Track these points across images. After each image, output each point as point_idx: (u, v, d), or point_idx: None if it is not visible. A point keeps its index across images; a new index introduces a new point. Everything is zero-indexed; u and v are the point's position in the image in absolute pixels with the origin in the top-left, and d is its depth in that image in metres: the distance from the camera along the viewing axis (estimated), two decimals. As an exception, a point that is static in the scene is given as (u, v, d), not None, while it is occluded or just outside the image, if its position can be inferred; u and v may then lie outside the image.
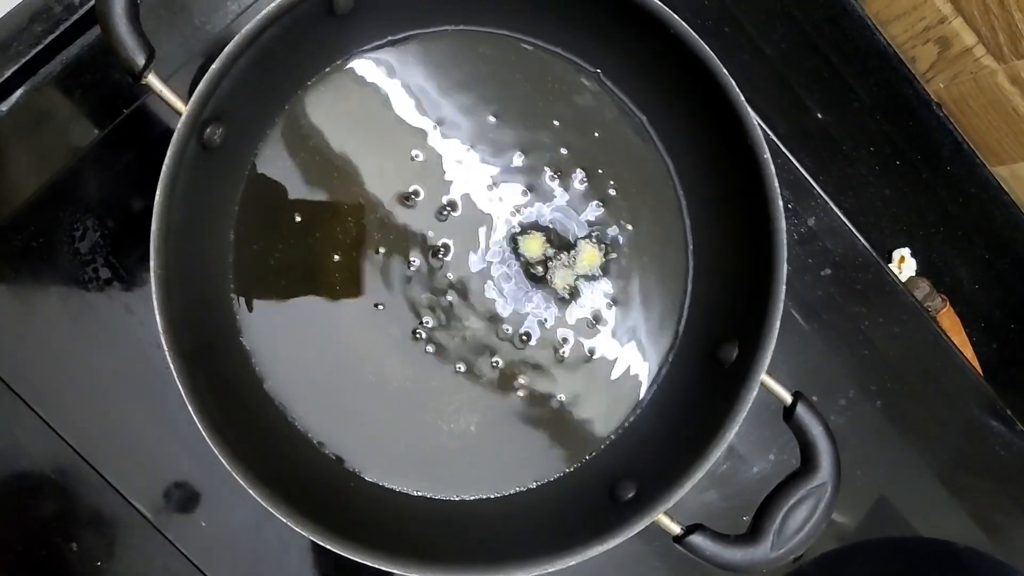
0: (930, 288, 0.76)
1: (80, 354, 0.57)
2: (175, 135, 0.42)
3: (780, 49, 0.79)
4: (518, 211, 0.53)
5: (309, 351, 0.51)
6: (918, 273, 0.80)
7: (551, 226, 0.54)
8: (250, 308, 0.51)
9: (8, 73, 0.56)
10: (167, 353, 0.42)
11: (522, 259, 0.53)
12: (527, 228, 0.53)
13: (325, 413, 0.51)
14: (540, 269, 0.53)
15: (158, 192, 0.42)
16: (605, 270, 0.54)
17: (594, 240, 0.54)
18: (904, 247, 0.80)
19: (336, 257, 0.52)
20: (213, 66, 0.42)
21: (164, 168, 0.42)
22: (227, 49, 0.43)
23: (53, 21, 0.57)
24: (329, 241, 0.52)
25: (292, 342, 0.51)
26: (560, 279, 0.53)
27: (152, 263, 0.42)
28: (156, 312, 0.42)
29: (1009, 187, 0.81)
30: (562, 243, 0.54)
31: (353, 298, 0.52)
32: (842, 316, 0.67)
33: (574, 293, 0.53)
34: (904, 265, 0.79)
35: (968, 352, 0.76)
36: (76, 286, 0.56)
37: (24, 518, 0.59)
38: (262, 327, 0.51)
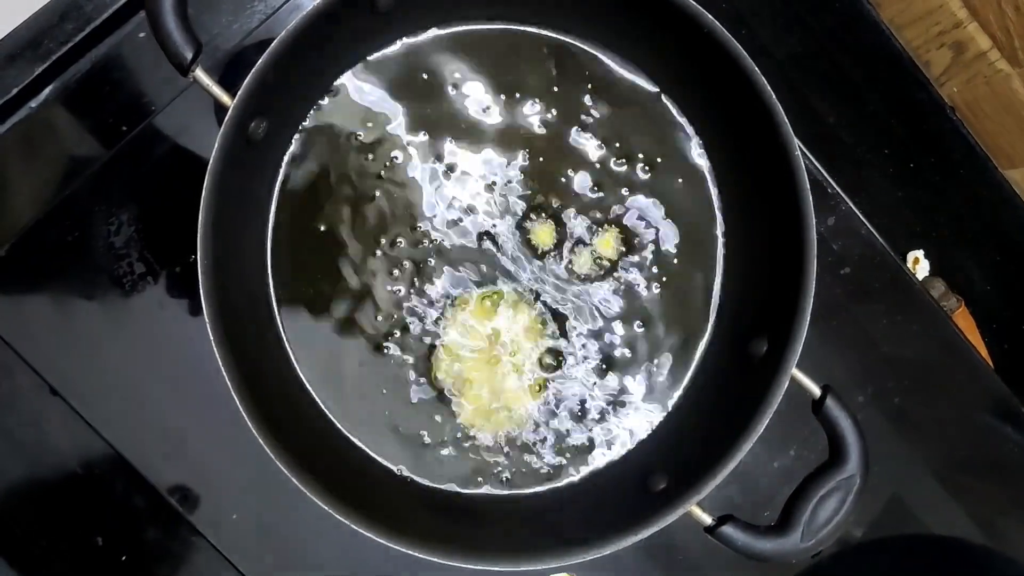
0: (946, 288, 0.77)
1: (113, 346, 0.57)
2: (222, 129, 0.43)
3: (794, 54, 0.81)
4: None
5: (343, 348, 0.52)
6: (932, 274, 0.81)
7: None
8: (285, 300, 0.52)
9: (39, 70, 0.57)
10: (213, 343, 0.43)
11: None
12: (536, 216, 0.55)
13: (363, 417, 0.52)
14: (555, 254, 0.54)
15: (205, 185, 0.43)
16: (647, 269, 0.55)
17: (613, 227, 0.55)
18: (918, 249, 0.81)
19: (371, 246, 0.53)
20: (259, 62, 0.43)
21: (211, 162, 0.43)
22: (272, 46, 0.43)
23: (83, 19, 0.58)
24: (361, 231, 0.53)
25: (327, 338, 0.52)
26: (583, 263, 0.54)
27: (199, 254, 0.43)
28: (203, 302, 0.43)
29: (1021, 190, 0.82)
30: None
31: (384, 287, 0.53)
32: (860, 314, 0.68)
33: (616, 285, 0.55)
34: (918, 267, 0.81)
35: (982, 352, 0.77)
36: (110, 279, 0.57)
37: (50, 512, 0.60)
38: (297, 319, 0.52)
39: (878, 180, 0.81)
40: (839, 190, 0.66)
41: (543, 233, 0.54)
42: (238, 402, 0.44)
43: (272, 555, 0.59)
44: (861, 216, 0.66)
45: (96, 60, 0.58)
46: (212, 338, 0.43)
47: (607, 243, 0.55)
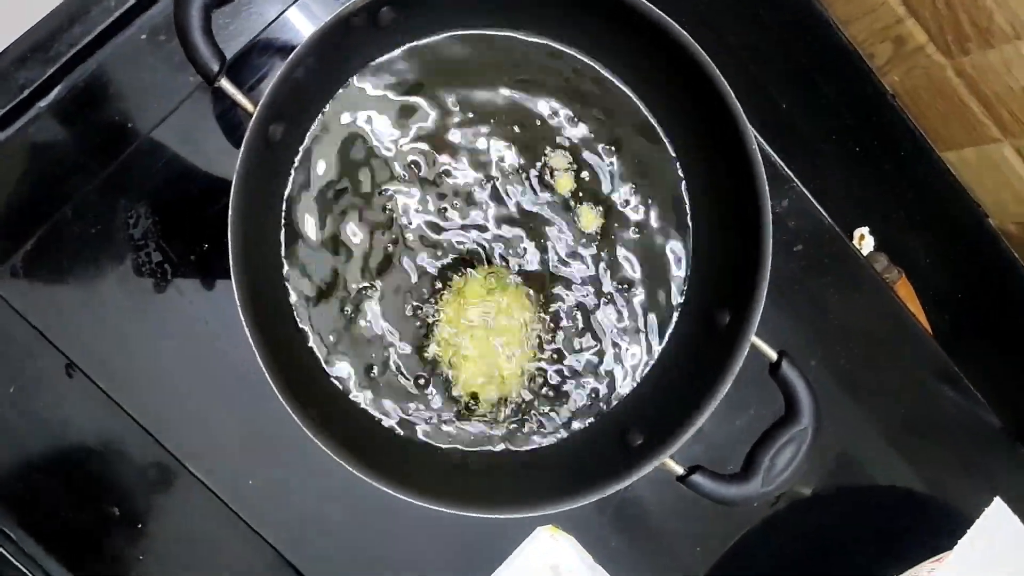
0: (888, 262, 0.84)
1: (134, 328, 0.62)
2: (247, 135, 0.48)
3: (749, 48, 0.87)
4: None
5: (349, 324, 0.58)
6: (876, 249, 0.88)
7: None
8: (297, 287, 0.57)
9: (52, 71, 0.61)
10: (243, 321, 0.48)
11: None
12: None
13: (370, 387, 0.58)
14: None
15: (233, 187, 0.48)
16: (618, 248, 0.61)
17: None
18: (864, 226, 0.88)
19: (373, 239, 0.58)
20: (278, 73, 0.49)
21: (238, 164, 0.48)
22: (290, 58, 0.49)
23: (91, 23, 0.62)
24: (366, 222, 0.58)
25: (334, 316, 0.58)
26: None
27: (230, 245, 0.48)
28: (234, 288, 0.48)
29: (956, 170, 0.89)
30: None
31: (387, 273, 0.59)
32: (812, 287, 0.74)
33: (599, 262, 0.61)
34: (864, 242, 0.88)
35: (922, 320, 0.85)
36: (131, 269, 0.62)
37: (71, 487, 0.64)
38: (308, 302, 0.57)
39: (828, 164, 0.88)
40: (792, 175, 0.73)
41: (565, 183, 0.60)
42: (264, 368, 0.49)
43: (287, 518, 0.65)
44: (812, 198, 0.73)
45: (103, 62, 0.62)
46: (241, 314, 0.48)
47: (565, 182, 0.60)
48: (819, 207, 0.74)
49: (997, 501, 0.66)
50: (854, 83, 0.89)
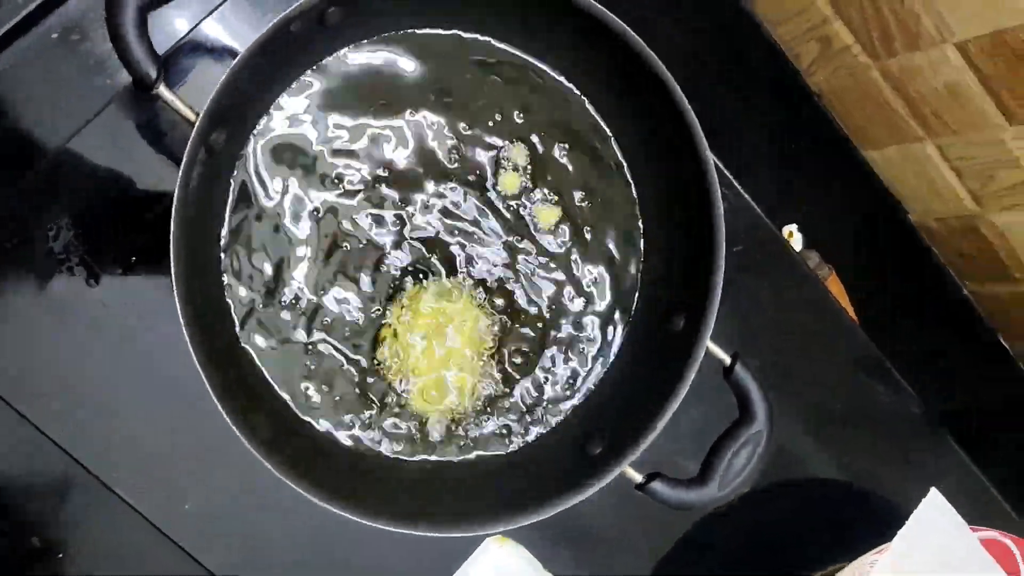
0: (819, 259, 0.86)
1: (57, 348, 0.58)
2: (190, 143, 0.45)
3: (679, 48, 0.87)
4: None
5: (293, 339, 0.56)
6: (806, 246, 0.90)
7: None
8: (239, 295, 0.54)
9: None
10: (187, 335, 0.46)
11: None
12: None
13: (315, 395, 0.56)
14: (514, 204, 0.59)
15: (176, 195, 0.45)
16: (572, 253, 0.60)
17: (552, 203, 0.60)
18: (792, 223, 0.90)
19: (317, 246, 0.56)
20: (222, 80, 0.46)
21: (181, 173, 0.45)
22: (233, 65, 0.46)
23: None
24: (310, 229, 0.56)
25: (280, 328, 0.55)
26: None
27: (171, 258, 0.45)
28: (177, 304, 0.46)
29: (879, 169, 0.92)
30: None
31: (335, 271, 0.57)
32: (750, 286, 0.75)
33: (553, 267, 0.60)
34: (793, 240, 0.89)
35: (851, 314, 0.87)
36: (52, 284, 0.58)
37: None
38: (251, 314, 0.55)
39: (758, 163, 0.89)
40: (730, 176, 0.74)
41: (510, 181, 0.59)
42: (208, 385, 0.46)
43: (228, 543, 0.62)
44: (749, 198, 0.74)
45: (10, 65, 0.58)
46: (186, 333, 0.46)
47: (512, 181, 0.59)
48: (756, 208, 0.75)
49: (933, 491, 0.68)
50: (782, 83, 0.91)
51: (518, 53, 0.58)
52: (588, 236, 0.60)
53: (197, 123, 0.45)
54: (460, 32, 0.57)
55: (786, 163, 0.92)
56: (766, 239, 0.76)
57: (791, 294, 0.78)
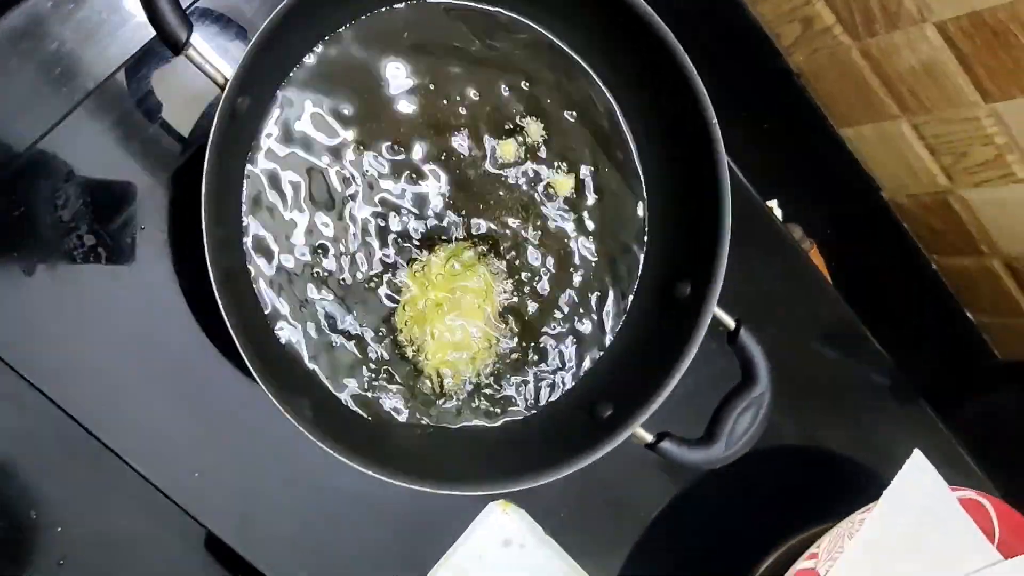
0: (802, 233, 0.89)
1: (65, 318, 0.58)
2: (220, 106, 0.46)
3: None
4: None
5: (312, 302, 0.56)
6: (786, 220, 0.93)
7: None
8: (259, 263, 0.55)
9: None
10: (219, 302, 0.46)
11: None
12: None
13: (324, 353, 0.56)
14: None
15: (207, 158, 0.45)
16: (584, 219, 0.61)
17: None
18: (773, 199, 0.93)
19: (335, 210, 0.56)
20: (249, 46, 0.46)
21: (212, 135, 0.45)
22: (261, 29, 0.46)
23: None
24: (325, 196, 0.56)
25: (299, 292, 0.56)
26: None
27: (203, 222, 0.46)
28: (209, 268, 0.46)
29: (854, 146, 0.95)
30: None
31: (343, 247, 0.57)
32: (739, 256, 0.77)
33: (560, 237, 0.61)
34: (774, 214, 0.92)
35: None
36: (61, 254, 0.57)
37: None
38: (270, 280, 0.55)
39: (738, 139, 0.90)
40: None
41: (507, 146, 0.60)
42: (242, 351, 0.47)
43: (240, 508, 0.62)
44: (739, 172, 0.76)
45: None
46: (218, 298, 0.46)
47: (508, 147, 0.60)
48: (745, 181, 0.77)
49: (916, 453, 0.71)
50: (761, 62, 0.93)
51: (533, 25, 0.59)
52: (595, 205, 0.61)
53: (227, 85, 0.45)
54: (487, 6, 0.58)
55: (766, 140, 0.95)
56: (754, 212, 0.79)
57: (777, 265, 0.80)
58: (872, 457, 0.81)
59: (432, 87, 0.58)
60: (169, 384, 0.60)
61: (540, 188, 0.61)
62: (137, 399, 0.60)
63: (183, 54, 0.46)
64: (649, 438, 0.56)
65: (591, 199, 0.61)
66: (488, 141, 0.59)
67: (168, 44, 0.45)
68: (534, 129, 0.60)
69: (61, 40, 0.58)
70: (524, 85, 0.60)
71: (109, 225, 0.58)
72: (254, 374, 0.47)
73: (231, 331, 0.47)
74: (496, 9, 0.59)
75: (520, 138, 0.60)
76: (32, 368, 0.57)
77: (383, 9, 0.56)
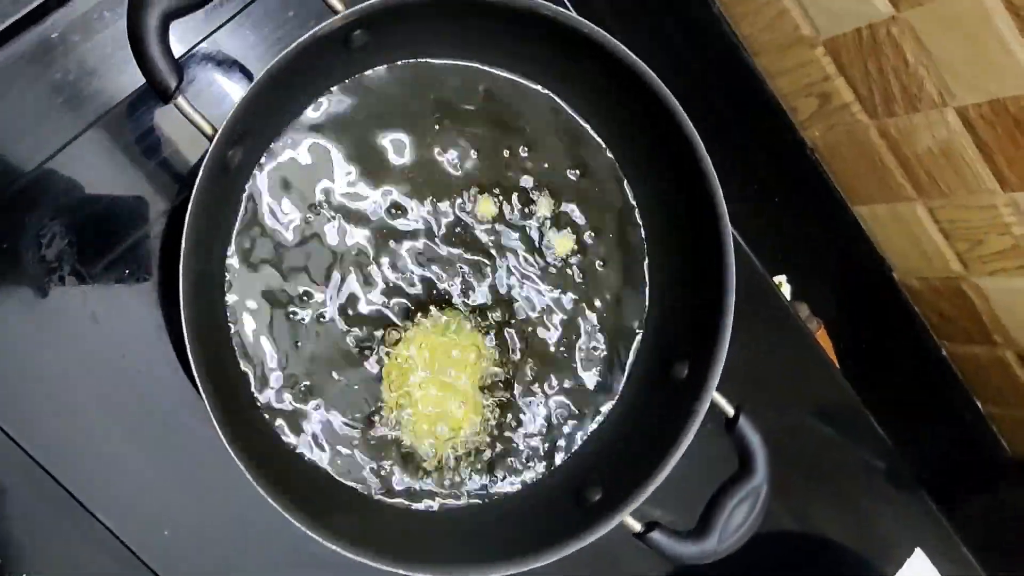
0: (809, 312, 0.86)
1: (43, 361, 0.56)
2: (207, 158, 0.44)
3: (677, 95, 0.87)
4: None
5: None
6: (794, 297, 0.90)
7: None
8: (243, 317, 0.53)
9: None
10: (190, 354, 0.44)
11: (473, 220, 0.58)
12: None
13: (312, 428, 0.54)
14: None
15: (190, 209, 0.43)
16: (582, 291, 0.59)
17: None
18: (781, 274, 0.90)
19: (325, 270, 0.54)
20: (241, 98, 0.44)
21: (196, 188, 0.43)
22: (254, 83, 0.45)
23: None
24: (317, 255, 0.54)
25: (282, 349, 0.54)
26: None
27: (181, 274, 0.44)
28: (183, 321, 0.44)
29: (866, 224, 0.93)
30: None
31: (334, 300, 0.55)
32: (743, 335, 0.75)
33: (555, 307, 0.59)
34: (782, 290, 0.90)
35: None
36: (41, 294, 0.55)
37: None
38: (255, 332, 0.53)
39: (748, 212, 0.89)
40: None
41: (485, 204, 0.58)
42: (211, 410, 0.45)
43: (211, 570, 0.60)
44: (745, 246, 0.74)
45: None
46: (188, 348, 0.44)
47: (486, 204, 0.58)
48: (752, 255, 0.75)
49: (918, 552, 0.68)
50: (776, 134, 0.91)
51: (540, 89, 0.57)
52: (594, 274, 0.59)
53: (216, 138, 0.44)
54: (479, 65, 0.56)
55: (776, 214, 0.93)
56: (759, 288, 0.76)
57: (782, 345, 0.78)
58: (872, 548, 0.78)
59: (436, 147, 0.56)
60: (146, 436, 0.58)
61: (538, 247, 0.58)
62: (110, 449, 0.57)
63: (172, 103, 0.44)
64: (638, 527, 0.53)
65: (589, 265, 0.59)
66: (483, 203, 0.57)
67: (157, 92, 0.44)
68: (543, 201, 0.58)
69: (66, 70, 0.57)
70: (523, 151, 0.58)
71: (95, 263, 0.56)
72: (224, 441, 0.45)
73: (202, 394, 0.45)
74: (510, 75, 0.57)
75: (523, 202, 0.58)
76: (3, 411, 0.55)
77: (385, 67, 0.54)
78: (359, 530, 0.52)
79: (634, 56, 0.53)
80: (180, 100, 0.44)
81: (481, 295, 0.58)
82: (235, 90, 0.59)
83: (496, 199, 0.58)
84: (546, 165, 0.58)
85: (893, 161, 0.83)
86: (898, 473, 0.81)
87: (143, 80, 0.56)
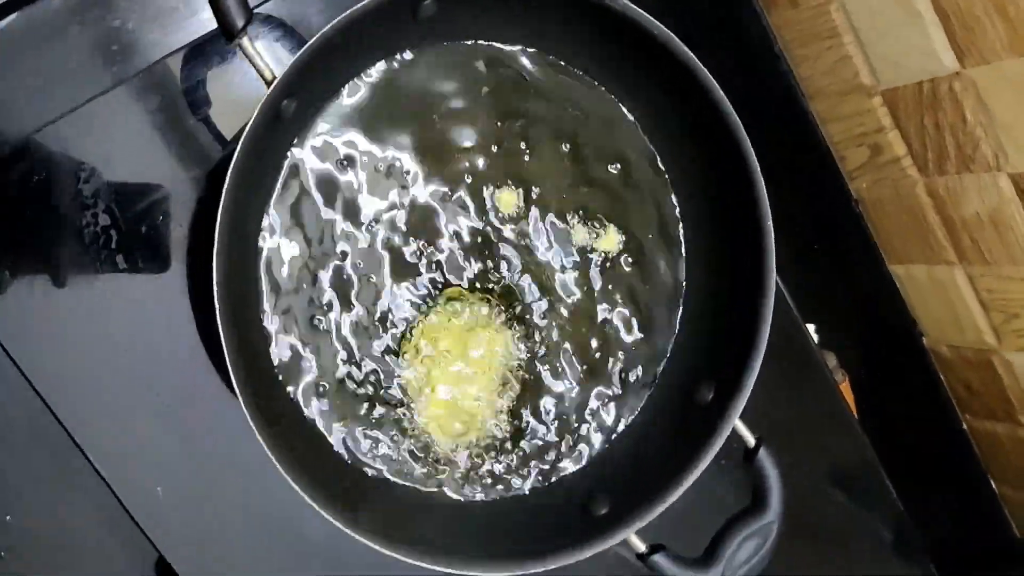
0: (836, 363, 0.84)
1: (65, 304, 0.55)
2: (261, 105, 0.43)
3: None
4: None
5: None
6: (821, 347, 0.89)
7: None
8: (274, 285, 0.52)
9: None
10: (217, 309, 0.43)
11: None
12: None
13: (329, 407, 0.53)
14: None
15: (237, 154, 0.43)
16: (611, 299, 0.58)
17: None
18: (811, 323, 0.89)
19: (357, 245, 0.54)
20: (301, 52, 0.44)
21: (246, 133, 0.43)
22: (317, 36, 0.44)
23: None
24: (350, 230, 0.53)
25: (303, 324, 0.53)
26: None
27: (218, 220, 0.43)
28: (213, 271, 0.43)
29: (902, 284, 0.91)
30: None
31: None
32: (769, 372, 0.73)
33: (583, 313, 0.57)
34: (811, 337, 0.88)
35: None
36: (71, 229, 0.55)
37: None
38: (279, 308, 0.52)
39: (781, 256, 0.87)
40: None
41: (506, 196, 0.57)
42: (231, 368, 0.44)
43: (198, 537, 0.58)
44: (784, 290, 0.73)
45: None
46: (216, 297, 0.43)
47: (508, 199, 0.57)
48: (788, 297, 0.73)
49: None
50: (822, 181, 0.90)
51: (604, 91, 0.57)
52: (628, 287, 0.58)
53: (274, 83, 0.43)
54: (553, 57, 0.56)
55: (814, 261, 0.91)
56: (791, 331, 0.75)
57: (806, 391, 0.76)
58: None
59: (491, 132, 0.55)
60: (156, 392, 0.57)
61: (582, 247, 0.57)
62: (117, 400, 0.57)
63: (236, 42, 0.43)
64: (642, 547, 0.52)
65: (624, 278, 0.58)
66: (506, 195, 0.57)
67: (223, 30, 0.43)
68: (591, 205, 0.57)
69: (125, 18, 0.56)
70: (573, 152, 0.57)
71: (128, 209, 0.56)
72: (243, 405, 0.44)
73: (224, 347, 0.44)
74: (578, 72, 0.56)
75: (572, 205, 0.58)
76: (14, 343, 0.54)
77: (452, 43, 0.54)
78: (380, 519, 0.51)
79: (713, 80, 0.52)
80: (245, 41, 0.44)
81: (512, 289, 0.57)
82: (291, 55, 0.58)
83: (532, 195, 0.57)
84: (595, 168, 0.58)
85: (938, 221, 0.82)
86: (908, 541, 0.79)
87: (197, 34, 0.57)
